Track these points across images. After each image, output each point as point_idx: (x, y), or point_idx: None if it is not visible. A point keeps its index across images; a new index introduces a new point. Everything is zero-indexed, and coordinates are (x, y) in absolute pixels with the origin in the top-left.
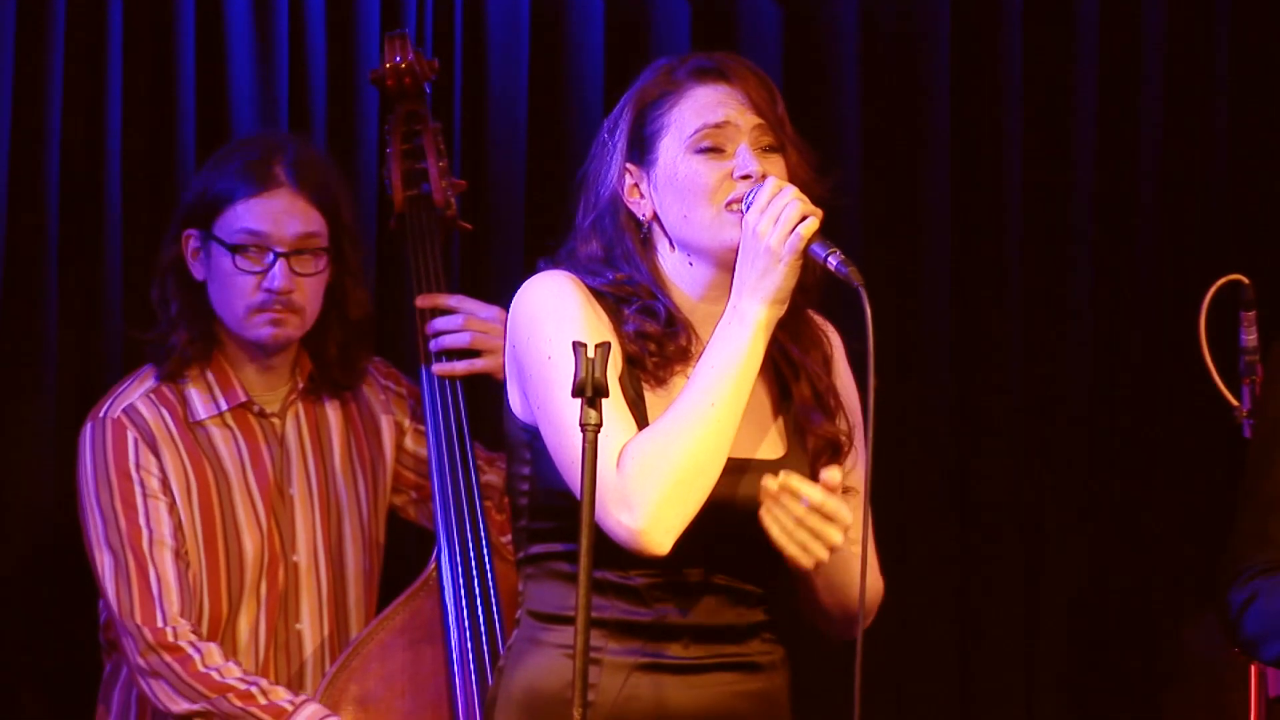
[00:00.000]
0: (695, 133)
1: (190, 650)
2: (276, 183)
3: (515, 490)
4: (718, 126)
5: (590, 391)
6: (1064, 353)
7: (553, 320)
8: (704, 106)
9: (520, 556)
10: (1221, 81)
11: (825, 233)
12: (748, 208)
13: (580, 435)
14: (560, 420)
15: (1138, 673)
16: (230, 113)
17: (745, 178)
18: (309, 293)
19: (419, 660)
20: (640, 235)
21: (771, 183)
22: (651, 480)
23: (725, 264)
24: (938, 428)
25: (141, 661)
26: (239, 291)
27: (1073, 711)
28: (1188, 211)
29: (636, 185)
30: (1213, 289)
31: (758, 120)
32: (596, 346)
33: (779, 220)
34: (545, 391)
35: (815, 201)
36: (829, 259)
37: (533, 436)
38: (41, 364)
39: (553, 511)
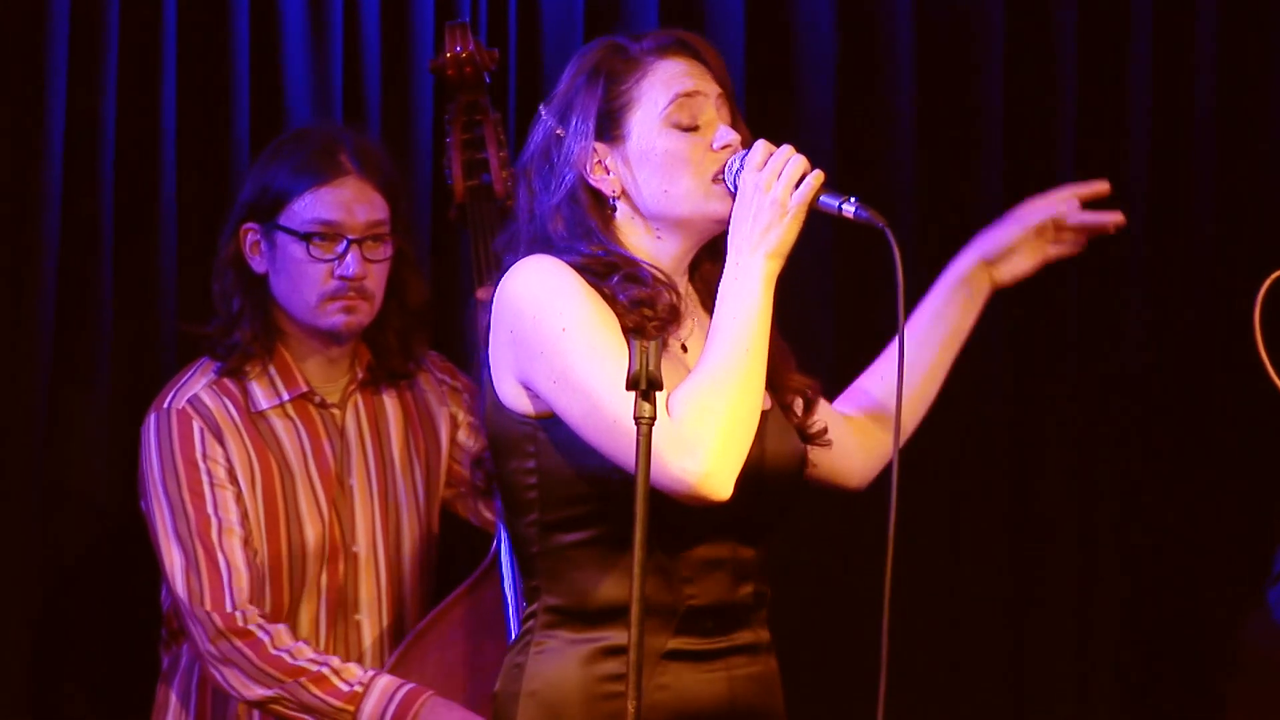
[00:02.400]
0: (670, 103)
1: (260, 634)
2: (343, 170)
3: (517, 485)
4: (689, 95)
5: (644, 384)
6: (1117, 344)
7: (558, 296)
8: (672, 77)
9: (533, 551)
10: (1278, 67)
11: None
12: (736, 172)
13: (613, 399)
14: (589, 388)
15: (1195, 667)
16: (285, 103)
17: (726, 147)
18: (378, 279)
19: (479, 650)
20: (605, 213)
21: (763, 144)
22: (710, 422)
23: (696, 235)
24: (991, 419)
25: (212, 648)
26: (310, 280)
27: (1129, 706)
28: (1244, 200)
29: (601, 162)
30: (1268, 281)
31: (720, 90)
32: (649, 340)
33: (783, 174)
34: (565, 363)
35: None
36: (843, 207)
37: (534, 428)
38: (95, 354)
39: (571, 500)
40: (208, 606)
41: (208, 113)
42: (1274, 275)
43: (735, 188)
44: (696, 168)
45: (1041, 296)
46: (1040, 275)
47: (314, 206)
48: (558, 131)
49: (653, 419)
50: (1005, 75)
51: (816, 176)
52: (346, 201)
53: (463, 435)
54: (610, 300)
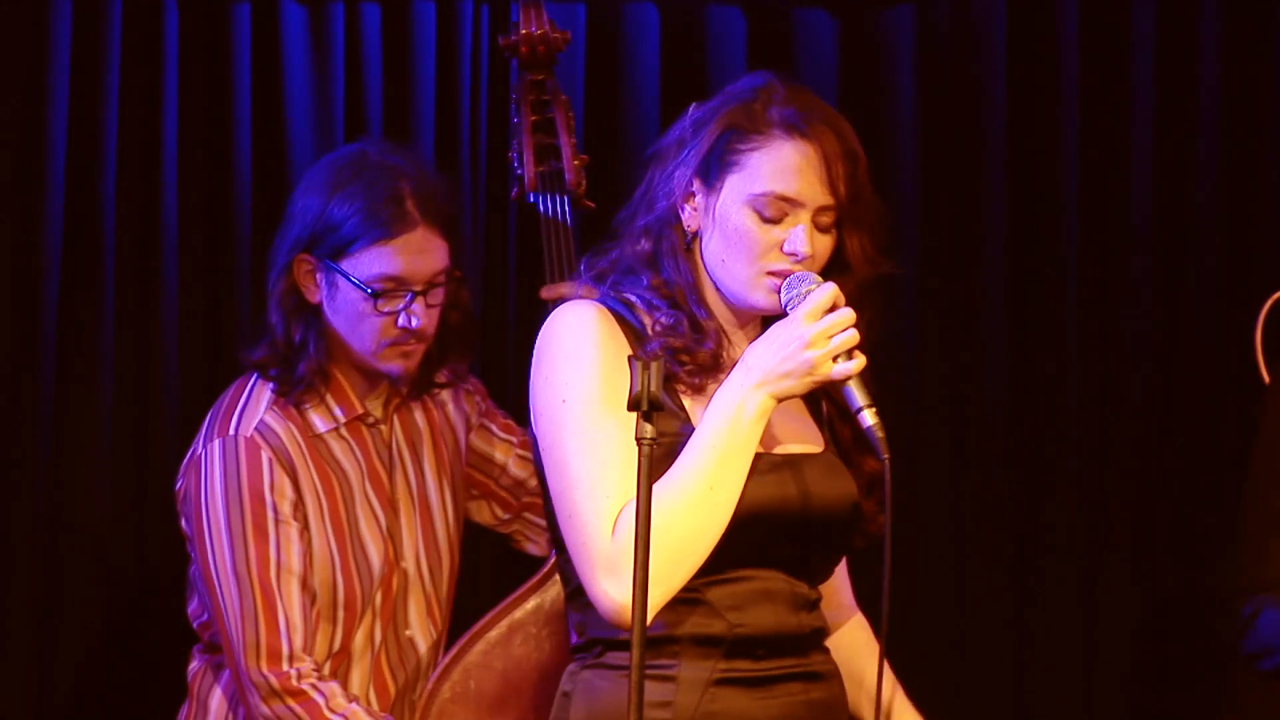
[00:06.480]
0: (764, 194)
1: (315, 694)
2: (410, 224)
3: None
4: (786, 199)
5: (645, 405)
6: (1122, 367)
7: (573, 362)
8: (783, 169)
9: (578, 585)
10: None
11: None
12: (792, 295)
13: (578, 492)
14: (565, 471)
15: (1201, 683)
16: (285, 118)
17: (791, 255)
18: (434, 320)
19: (540, 653)
20: (685, 242)
21: (830, 290)
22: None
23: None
24: (994, 446)
25: (266, 709)
26: (372, 329)
27: None
28: (1246, 215)
29: (694, 196)
30: (1270, 301)
31: (826, 201)
32: (652, 362)
33: (831, 340)
34: (555, 434)
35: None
36: (862, 413)
37: None
38: (97, 379)
39: None
40: (263, 667)
41: (209, 131)
42: (1276, 295)
43: (786, 308)
44: (758, 257)
45: (1042, 312)
46: (1041, 288)
47: (380, 261)
48: (685, 137)
49: (654, 439)
50: (1007, 100)
51: (858, 363)
52: (412, 255)
53: (474, 438)
54: (646, 338)
